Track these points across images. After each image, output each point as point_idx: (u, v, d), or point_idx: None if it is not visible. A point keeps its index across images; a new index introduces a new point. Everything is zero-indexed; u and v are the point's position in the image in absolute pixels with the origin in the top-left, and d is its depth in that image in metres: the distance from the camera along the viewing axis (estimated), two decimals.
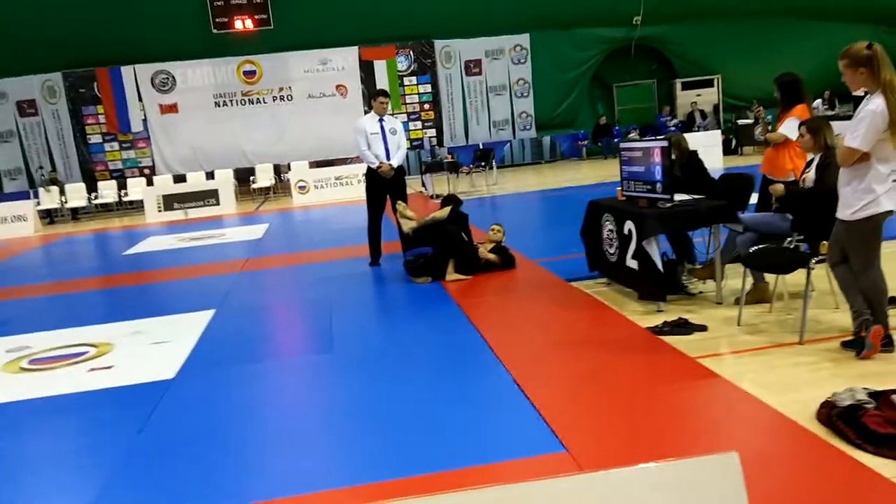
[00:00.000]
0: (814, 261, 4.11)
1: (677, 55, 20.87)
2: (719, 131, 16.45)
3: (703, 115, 19.96)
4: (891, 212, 3.74)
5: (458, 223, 6.65)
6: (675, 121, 19.97)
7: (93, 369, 4.85)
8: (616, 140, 18.50)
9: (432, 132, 20.05)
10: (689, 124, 19.61)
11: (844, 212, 3.77)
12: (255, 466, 3.15)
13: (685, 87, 20.91)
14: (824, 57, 19.46)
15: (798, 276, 4.43)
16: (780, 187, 4.77)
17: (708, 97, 20.76)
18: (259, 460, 3.22)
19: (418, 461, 3.00)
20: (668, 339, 4.35)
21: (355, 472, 2.97)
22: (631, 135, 18.53)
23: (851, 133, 3.65)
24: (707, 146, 14.31)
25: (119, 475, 3.17)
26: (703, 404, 3.43)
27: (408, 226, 6.57)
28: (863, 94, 3.81)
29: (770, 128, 6.01)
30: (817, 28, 20.41)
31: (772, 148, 5.76)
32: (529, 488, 1.37)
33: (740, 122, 17.73)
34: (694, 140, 14.55)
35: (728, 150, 16.33)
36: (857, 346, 3.83)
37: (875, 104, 3.59)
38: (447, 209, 6.61)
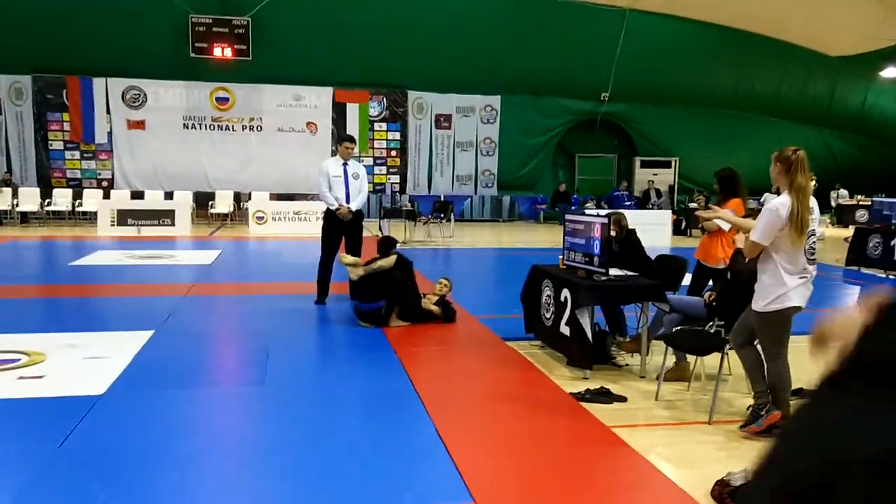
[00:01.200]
0: (728, 346, 4.39)
1: (639, 134, 21.78)
2: (671, 212, 17.10)
3: (659, 193, 20.72)
4: (799, 307, 4.04)
5: (404, 269, 6.81)
6: (628, 195, 20.67)
7: (22, 377, 4.83)
8: (574, 208, 19.05)
9: (396, 178, 20.37)
10: (644, 201, 20.34)
11: (758, 303, 4.07)
12: (165, 492, 3.22)
13: (644, 164, 21.75)
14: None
15: (717, 358, 4.71)
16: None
17: (664, 177, 21.60)
18: (170, 486, 3.28)
19: (327, 499, 3.11)
20: (588, 405, 4.55)
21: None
22: (588, 204, 19.12)
23: (754, 228, 4.01)
24: (657, 224, 14.91)
25: (33, 486, 3.20)
26: (608, 470, 3.62)
27: (354, 273, 6.70)
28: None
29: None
30: (774, 125, 21.59)
31: (706, 236, 6.13)
32: None
33: (691, 205, 18.46)
34: (645, 218, 15.17)
35: (678, 231, 16.96)
36: (751, 420, 4.10)
37: (773, 203, 3.96)
38: (393, 257, 6.75)
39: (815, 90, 21.97)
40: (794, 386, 4.83)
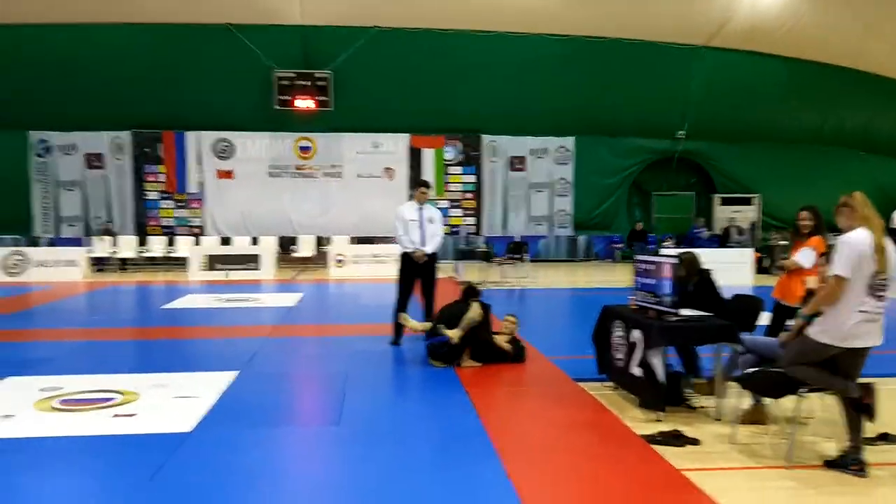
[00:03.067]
0: (804, 389, 4.28)
1: (718, 171, 21.36)
2: (752, 249, 16.62)
3: (740, 231, 20.18)
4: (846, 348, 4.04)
5: (485, 314, 6.92)
6: (707, 232, 20.23)
7: (117, 415, 5.17)
8: (651, 247, 18.77)
9: (471, 220, 20.61)
10: (724, 239, 19.84)
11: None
12: None
13: (724, 202, 21.26)
14: (864, 188, 19.81)
15: (799, 402, 4.58)
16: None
17: (746, 214, 21.04)
18: None
19: None
20: (660, 448, 4.50)
21: None
22: (666, 243, 18.79)
23: (833, 264, 4.03)
24: (739, 263, 14.54)
25: None
26: None
27: (455, 335, 6.73)
28: None
29: (785, 255, 6.26)
30: (861, 159, 20.82)
31: (786, 275, 6.00)
32: None
33: (780, 243, 17.89)
34: (726, 256, 14.82)
35: (760, 269, 16.44)
36: (839, 464, 4.03)
37: (845, 236, 4.06)
38: (479, 309, 6.82)
39: None
40: (882, 430, 4.68)
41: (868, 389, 4.13)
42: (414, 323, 7.28)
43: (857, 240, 4.01)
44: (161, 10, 16.87)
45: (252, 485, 3.89)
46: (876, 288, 4.01)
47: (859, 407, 4.13)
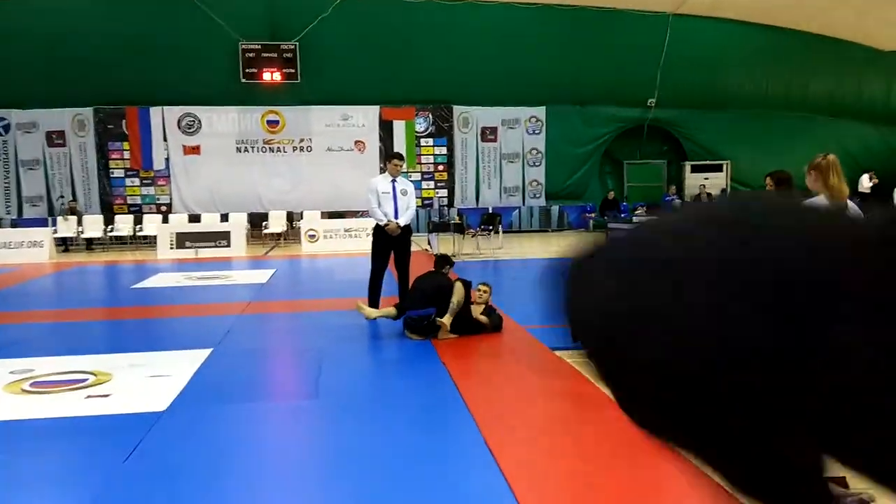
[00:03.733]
0: None
1: (688, 139, 21.49)
2: None
3: (710, 197, 20.35)
4: None
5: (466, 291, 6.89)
6: (676, 200, 20.40)
7: (90, 396, 5.08)
8: (623, 215, 18.89)
9: (444, 192, 20.54)
10: None
11: None
12: (227, 496, 3.36)
13: (694, 169, 21.43)
14: (833, 153, 20.16)
15: None
16: None
17: (716, 181, 21.23)
18: (231, 497, 3.42)
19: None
20: None
21: None
22: (637, 211, 18.93)
23: None
24: None
25: (101, 498, 3.38)
26: (662, 480, 3.61)
27: (447, 321, 6.66)
28: None
29: None
30: (831, 124, 21.07)
31: None
32: None
33: None
34: None
35: None
36: None
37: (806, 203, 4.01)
38: (462, 290, 6.77)
39: (872, 87, 21.37)
40: None
41: None
42: (370, 311, 7.17)
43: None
44: None
45: (231, 460, 3.85)
46: None
47: None
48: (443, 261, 7.22)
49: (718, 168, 21.39)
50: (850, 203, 4.13)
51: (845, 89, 21.27)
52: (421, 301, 6.76)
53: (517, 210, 20.92)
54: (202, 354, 6.22)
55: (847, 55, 20.44)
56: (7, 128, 18.78)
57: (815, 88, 21.07)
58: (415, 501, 3.30)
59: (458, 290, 6.71)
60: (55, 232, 17.03)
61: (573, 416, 4.55)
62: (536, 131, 20.72)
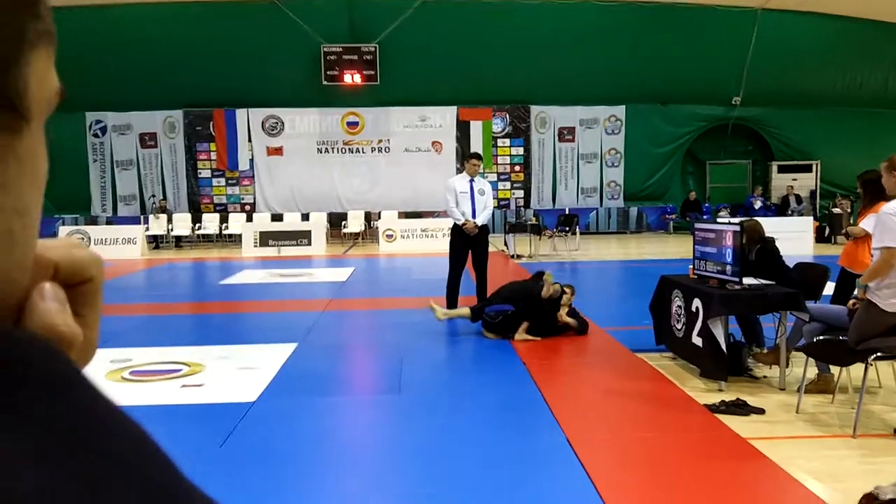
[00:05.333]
0: (872, 357, 4.16)
1: (775, 137, 20.73)
2: (812, 218, 16.14)
3: (799, 199, 19.61)
4: None
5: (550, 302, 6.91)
6: (764, 201, 19.73)
7: (185, 385, 5.33)
8: (706, 217, 18.40)
9: (520, 193, 20.48)
10: (783, 208, 19.32)
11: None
12: (314, 489, 3.48)
13: (781, 169, 20.66)
14: None
15: (867, 370, 4.47)
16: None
17: (805, 182, 20.41)
18: (319, 484, 3.54)
19: (464, 501, 3.25)
20: (724, 417, 4.45)
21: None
22: (721, 213, 18.39)
23: (877, 236, 3.98)
24: (798, 232, 14.15)
25: (200, 481, 3.54)
26: (747, 483, 3.53)
27: (548, 290, 6.75)
28: None
29: (852, 221, 6.08)
30: None
31: (852, 242, 5.82)
32: None
33: (834, 210, 17.36)
34: (785, 225, 14.43)
35: (821, 238, 15.98)
36: None
37: (891, 206, 3.91)
38: (552, 290, 6.79)
39: None
40: None
41: None
42: (442, 310, 7.17)
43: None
44: None
45: (318, 450, 3.98)
46: None
47: None
48: (540, 275, 7.22)
49: (808, 168, 20.54)
50: None
51: None
52: (500, 299, 6.80)
53: (595, 211, 20.66)
54: (288, 348, 6.42)
55: None
56: (104, 129, 19.82)
57: None
58: (497, 501, 3.33)
59: (553, 283, 6.75)
60: (147, 229, 17.87)
61: (656, 417, 4.49)
62: (615, 131, 20.41)
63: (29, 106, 0.32)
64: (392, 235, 16.77)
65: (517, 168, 20.55)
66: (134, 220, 18.95)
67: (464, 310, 7.12)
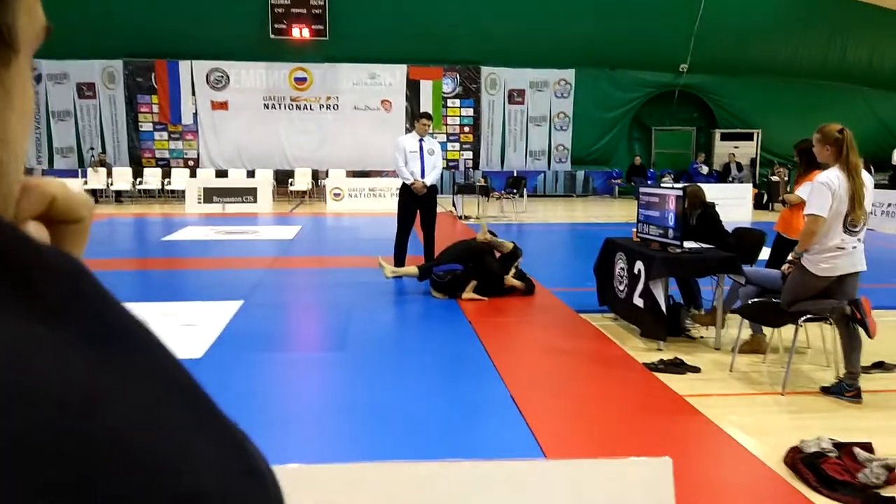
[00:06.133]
0: (802, 319, 4.36)
1: (719, 105, 21.15)
2: (751, 185, 16.61)
3: (740, 167, 20.13)
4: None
5: (507, 259, 7.02)
6: (706, 168, 20.19)
7: None
8: (650, 182, 18.74)
9: (469, 155, 20.48)
10: (724, 175, 19.82)
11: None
12: (264, 446, 3.49)
13: (724, 137, 21.13)
14: (867, 124, 19.91)
15: (798, 331, 4.68)
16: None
17: (746, 150, 20.94)
18: (268, 440, 3.55)
19: (409, 449, 3.31)
20: (662, 376, 4.61)
21: (347, 452, 3.29)
22: (665, 179, 18.76)
23: (808, 203, 4.18)
24: (738, 198, 14.55)
25: None
26: (680, 436, 3.69)
27: (482, 236, 6.94)
28: None
29: (788, 188, 6.29)
30: (864, 94, 20.62)
31: (788, 209, 6.02)
32: (497, 466, 1.68)
33: (773, 178, 17.88)
34: (725, 192, 14.80)
35: (759, 205, 16.48)
36: (834, 390, 4.20)
37: (823, 176, 4.22)
38: (512, 245, 6.96)
39: None
40: (878, 359, 4.79)
41: (857, 303, 4.21)
42: (391, 268, 7.25)
43: (829, 181, 4.13)
44: None
45: (264, 406, 3.98)
46: (850, 225, 4.16)
47: (853, 321, 4.21)
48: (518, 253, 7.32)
49: (749, 137, 21.07)
50: (864, 174, 4.22)
51: (883, 58, 20.75)
52: (448, 259, 6.85)
53: (542, 174, 20.82)
54: (233, 306, 6.36)
55: (886, 23, 19.88)
56: (38, 78, 18.92)
57: (853, 57, 20.58)
58: (442, 450, 3.40)
59: (509, 244, 6.87)
60: (85, 183, 17.25)
61: (597, 374, 4.62)
62: (565, 94, 20.51)
63: (17, 38, 0.33)
64: (340, 194, 16.61)
65: (466, 129, 20.50)
66: (72, 174, 18.25)
67: (412, 268, 7.15)
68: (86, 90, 19.10)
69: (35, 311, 0.27)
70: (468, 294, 6.73)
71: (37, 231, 0.35)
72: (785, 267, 5.08)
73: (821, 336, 5.05)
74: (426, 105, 19.64)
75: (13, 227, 0.30)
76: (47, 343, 0.26)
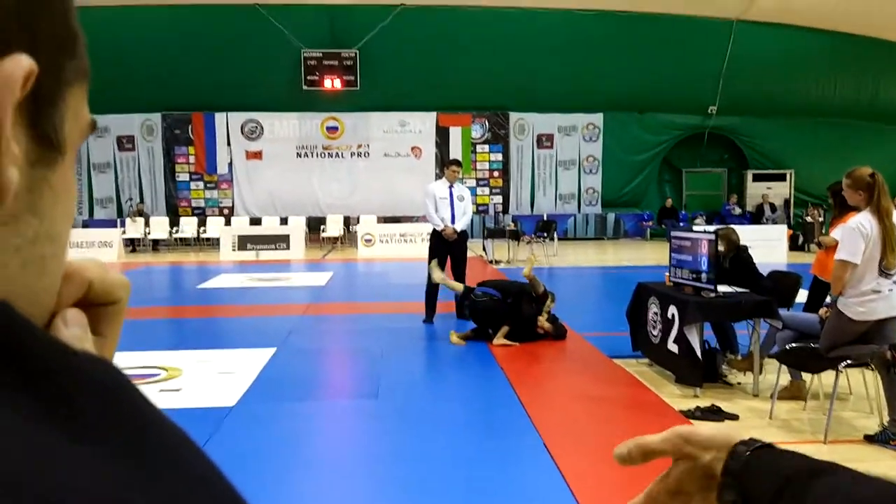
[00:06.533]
0: (843, 364, 4.26)
1: (750, 146, 21.06)
2: (786, 226, 16.41)
3: (773, 208, 19.91)
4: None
5: (539, 302, 7.01)
6: (739, 209, 20.01)
7: (163, 390, 5.30)
8: (682, 224, 18.61)
9: (499, 199, 20.59)
10: (757, 216, 19.61)
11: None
12: (292, 493, 3.49)
13: (756, 178, 20.97)
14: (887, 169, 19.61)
15: (839, 377, 4.57)
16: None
17: (779, 190, 20.74)
18: (297, 488, 3.55)
19: (441, 498, 3.29)
20: (698, 423, 4.52)
21: (378, 502, 3.27)
22: (697, 221, 18.62)
23: (840, 248, 4.14)
24: (772, 240, 14.39)
25: None
26: None
27: (529, 267, 6.92)
28: None
29: (824, 230, 6.21)
30: (894, 134, 20.38)
31: (823, 251, 5.94)
32: None
33: (807, 219, 17.65)
34: (759, 233, 14.65)
35: (795, 246, 16.24)
36: (878, 439, 4.05)
37: (855, 220, 4.17)
38: (543, 287, 6.96)
39: None
40: None
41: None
42: (442, 275, 7.32)
43: (861, 226, 4.09)
44: None
45: (297, 454, 3.99)
46: (885, 269, 4.12)
47: (894, 366, 4.11)
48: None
49: (782, 177, 20.87)
50: None
51: None
52: (491, 286, 6.87)
53: (572, 217, 20.81)
54: (267, 353, 6.41)
55: None
56: None
57: (885, 96, 20.41)
58: (475, 499, 3.36)
59: (541, 286, 6.85)
60: (124, 233, 17.69)
61: (632, 422, 4.54)
62: (593, 138, 20.60)
63: (64, 140, 0.34)
64: (371, 240, 16.77)
65: (496, 174, 20.65)
66: (110, 224, 18.74)
67: (458, 284, 7.23)
68: (125, 143, 19.70)
69: (68, 424, 0.27)
70: (500, 340, 6.70)
71: (76, 317, 0.36)
72: (822, 311, 5.00)
73: (862, 382, 4.92)
74: (455, 151, 19.86)
75: (47, 335, 0.30)
76: (75, 456, 0.26)
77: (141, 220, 18.58)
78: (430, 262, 7.99)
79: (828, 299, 5.65)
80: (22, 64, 0.30)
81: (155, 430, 0.31)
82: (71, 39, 0.36)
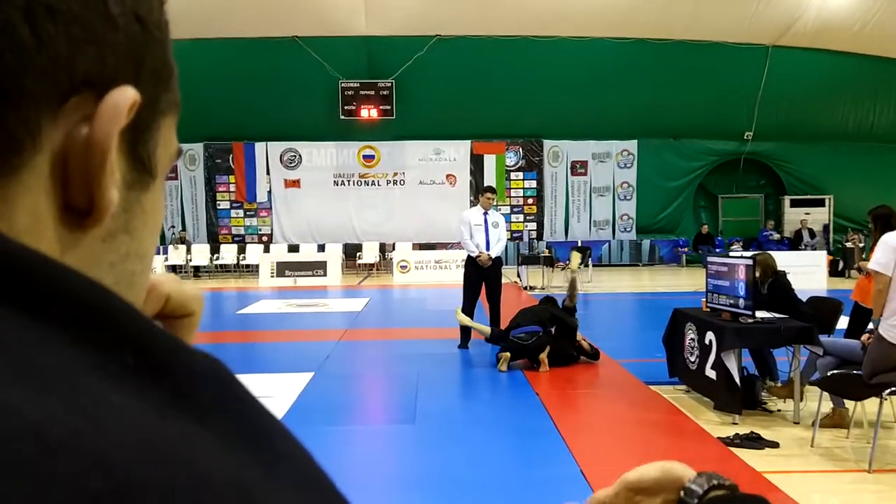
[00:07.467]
0: (887, 392, 4.20)
1: (787, 172, 20.81)
2: (825, 252, 16.13)
3: (812, 234, 19.59)
4: None
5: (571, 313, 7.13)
6: (777, 235, 19.72)
7: None
8: (718, 250, 18.40)
9: (533, 226, 20.61)
10: (795, 242, 19.31)
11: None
12: None
13: (794, 203, 20.67)
14: None
15: (882, 404, 4.50)
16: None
17: (818, 216, 20.40)
18: None
19: None
20: (738, 451, 4.48)
21: None
22: (734, 247, 18.41)
23: (872, 259, 4.15)
24: (812, 266, 14.16)
25: None
26: None
27: (573, 268, 7.08)
28: None
29: (864, 255, 6.14)
30: None
31: (865, 276, 5.87)
32: None
33: (847, 245, 17.33)
34: (798, 259, 14.43)
35: (835, 272, 15.95)
36: None
37: (890, 236, 4.23)
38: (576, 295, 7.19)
39: None
40: None
41: None
42: (465, 317, 7.41)
43: (894, 239, 4.08)
44: (231, 25, 17.50)
45: (334, 479, 4.04)
46: None
47: None
48: (548, 300, 7.47)
49: (820, 203, 20.54)
50: None
51: None
52: (527, 322, 6.86)
53: (607, 243, 20.72)
54: (305, 378, 6.51)
55: None
56: None
57: None
58: None
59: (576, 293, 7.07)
60: (166, 260, 18.09)
61: (670, 449, 4.52)
62: (628, 165, 20.57)
63: (156, 165, 0.38)
64: (406, 266, 16.90)
65: (530, 201, 20.71)
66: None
67: (485, 327, 7.31)
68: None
69: (191, 411, 0.28)
70: (544, 368, 6.65)
71: None
72: (864, 337, 4.93)
73: None
74: (490, 178, 19.98)
75: (165, 332, 0.31)
76: (205, 440, 0.27)
77: (183, 247, 19.00)
78: (464, 290, 8.05)
79: (870, 325, 5.58)
80: (128, 95, 0.33)
81: (270, 423, 0.31)
82: (167, 73, 0.40)
